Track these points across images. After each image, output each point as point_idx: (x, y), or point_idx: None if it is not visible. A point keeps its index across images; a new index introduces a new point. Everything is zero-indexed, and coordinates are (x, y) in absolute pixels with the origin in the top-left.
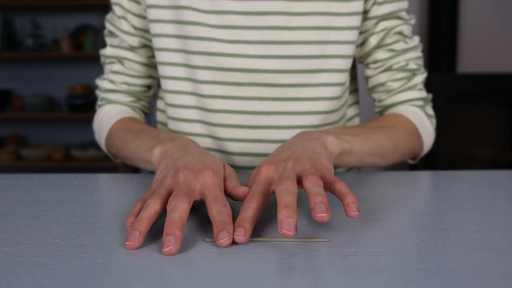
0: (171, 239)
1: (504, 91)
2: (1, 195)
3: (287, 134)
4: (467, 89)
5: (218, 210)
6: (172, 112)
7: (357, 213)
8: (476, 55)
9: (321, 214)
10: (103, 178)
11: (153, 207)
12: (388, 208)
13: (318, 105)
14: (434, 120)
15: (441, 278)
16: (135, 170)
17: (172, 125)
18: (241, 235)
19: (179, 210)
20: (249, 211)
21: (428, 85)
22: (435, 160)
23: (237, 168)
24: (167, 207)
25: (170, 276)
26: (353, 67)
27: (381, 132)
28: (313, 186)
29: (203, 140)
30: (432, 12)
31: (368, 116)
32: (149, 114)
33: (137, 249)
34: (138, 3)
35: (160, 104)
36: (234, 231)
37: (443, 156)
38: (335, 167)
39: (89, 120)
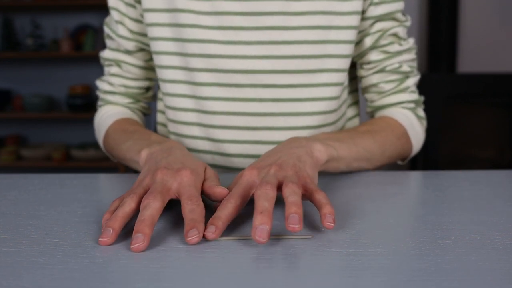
0: (139, 236)
1: (504, 91)
2: (1, 195)
3: (287, 135)
4: (467, 89)
5: (190, 209)
6: (171, 114)
7: (333, 224)
8: (476, 55)
9: (293, 225)
10: (103, 178)
11: (129, 205)
12: (388, 208)
13: (318, 106)
14: (424, 122)
15: (441, 278)
16: (135, 170)
17: (172, 127)
18: (212, 232)
19: (151, 208)
20: (224, 210)
21: (428, 85)
22: (435, 160)
23: (237, 170)
24: (141, 205)
25: (170, 276)
26: (353, 67)
27: (369, 136)
28: (291, 194)
29: (202, 143)
30: (432, 12)
31: (368, 116)
32: (148, 114)
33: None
34: (135, 7)
35: (160, 105)
36: (205, 229)
37: (443, 156)
38: (323, 173)
39: (89, 120)
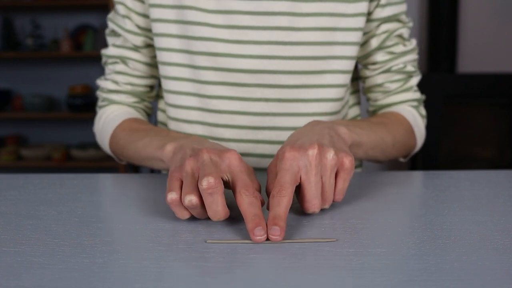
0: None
1: (504, 91)
2: (1, 195)
3: None
4: (467, 89)
5: (250, 202)
6: (173, 112)
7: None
8: (476, 55)
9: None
10: (103, 178)
11: (195, 204)
12: (388, 208)
13: (322, 107)
14: (425, 120)
15: (441, 278)
16: (135, 170)
17: (173, 125)
18: (277, 234)
19: (214, 195)
20: (281, 206)
21: (428, 85)
22: (435, 159)
23: None
24: (203, 191)
25: (170, 276)
26: (355, 68)
27: (383, 127)
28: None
29: None
30: (432, 12)
31: (369, 115)
32: (151, 115)
33: (137, 249)
34: (142, 2)
35: (161, 104)
36: (268, 229)
37: (443, 156)
38: None
39: (89, 120)
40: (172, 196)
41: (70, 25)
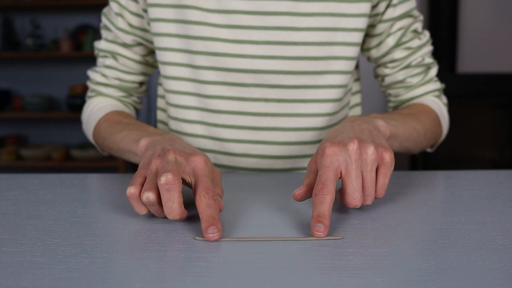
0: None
1: (504, 91)
2: (1, 195)
3: (292, 136)
4: (467, 89)
5: (208, 203)
6: (173, 112)
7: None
8: (476, 55)
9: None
10: (103, 178)
11: (153, 201)
12: (388, 208)
13: (322, 107)
14: (447, 108)
15: (441, 278)
16: (135, 170)
17: (174, 125)
18: (322, 231)
19: (171, 192)
20: (325, 204)
21: None
22: (435, 159)
23: (240, 169)
24: (160, 188)
25: (170, 276)
26: (356, 68)
27: (413, 118)
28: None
29: (204, 142)
30: (432, 12)
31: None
32: (140, 110)
33: (137, 249)
34: (136, 1)
35: (160, 103)
36: (312, 227)
37: (443, 156)
38: None
39: None
40: (131, 190)
41: (70, 25)
